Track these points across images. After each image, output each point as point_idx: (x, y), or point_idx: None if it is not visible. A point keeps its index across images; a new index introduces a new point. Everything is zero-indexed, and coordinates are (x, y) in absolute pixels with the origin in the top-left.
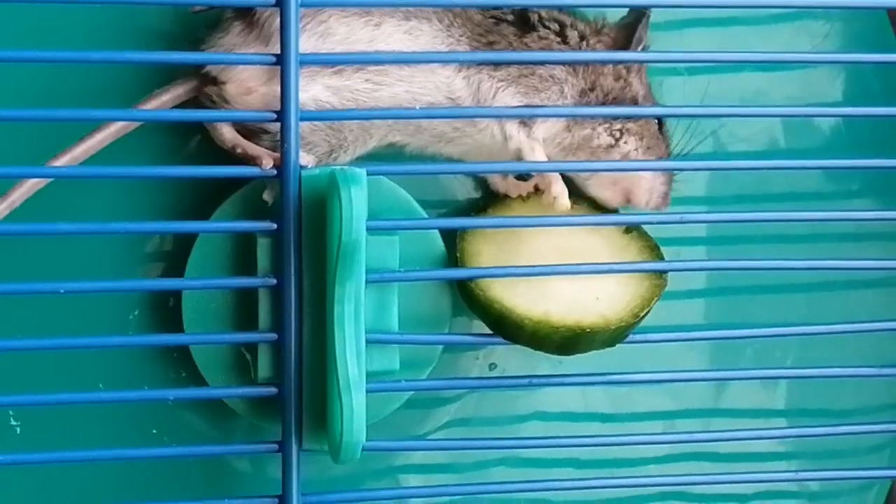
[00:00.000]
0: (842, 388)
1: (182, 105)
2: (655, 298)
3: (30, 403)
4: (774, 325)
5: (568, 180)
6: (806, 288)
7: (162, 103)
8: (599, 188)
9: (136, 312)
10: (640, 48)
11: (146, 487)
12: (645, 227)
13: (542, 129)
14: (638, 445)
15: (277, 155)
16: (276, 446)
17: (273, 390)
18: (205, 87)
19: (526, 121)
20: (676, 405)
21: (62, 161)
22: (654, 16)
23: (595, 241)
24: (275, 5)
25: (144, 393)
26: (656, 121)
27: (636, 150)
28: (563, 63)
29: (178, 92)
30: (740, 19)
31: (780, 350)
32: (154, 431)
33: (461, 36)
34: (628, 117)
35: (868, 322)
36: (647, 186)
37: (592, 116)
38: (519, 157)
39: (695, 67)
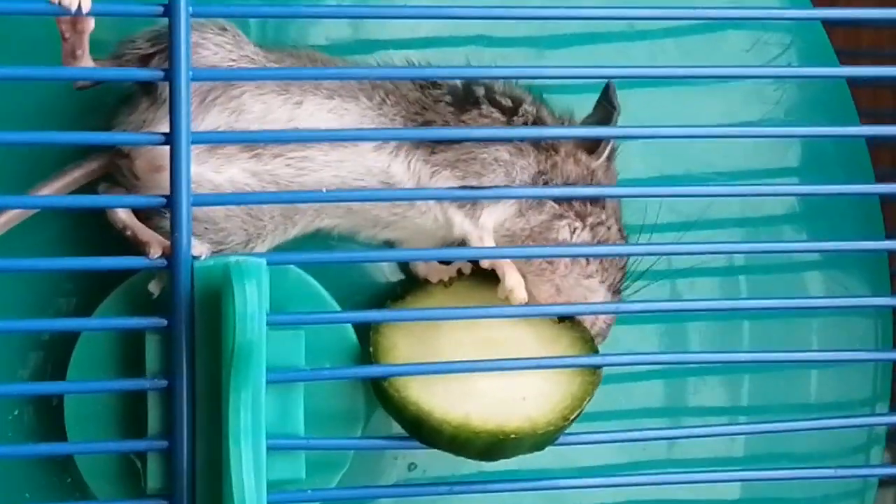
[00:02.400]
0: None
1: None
2: (589, 397)
3: None
4: (724, 408)
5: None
6: (752, 368)
7: (74, 180)
8: (540, 294)
9: (17, 412)
10: (608, 150)
11: None
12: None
13: (490, 215)
14: None
15: (168, 243)
16: None
17: None
18: (118, 161)
19: (468, 206)
20: (615, 499)
21: None
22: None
23: (523, 333)
24: (164, 79)
25: None
26: (618, 226)
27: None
28: (494, 139)
29: (91, 167)
30: (690, 82)
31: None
32: None
33: (395, 115)
34: (585, 205)
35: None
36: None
37: (536, 198)
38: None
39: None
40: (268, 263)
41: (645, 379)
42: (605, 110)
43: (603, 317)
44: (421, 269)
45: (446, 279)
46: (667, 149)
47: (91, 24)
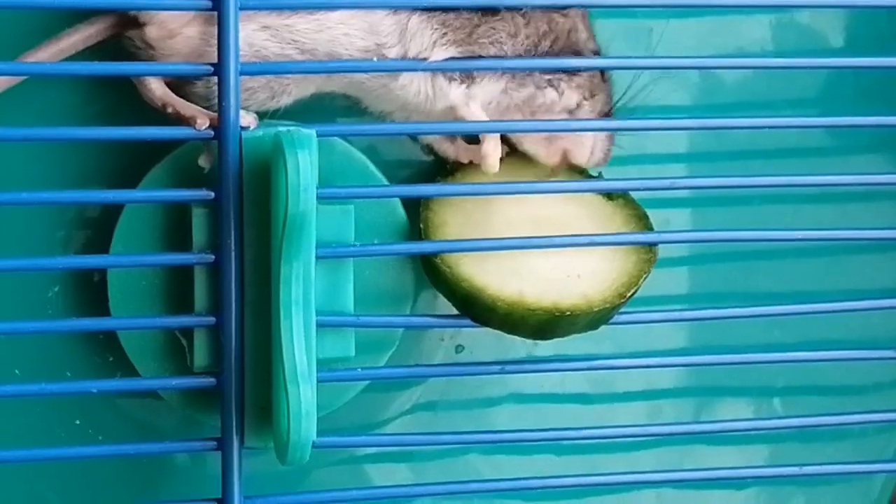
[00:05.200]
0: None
1: (100, 45)
2: (644, 275)
3: None
4: (773, 294)
5: (504, 138)
6: (809, 252)
7: (72, 44)
8: (533, 145)
9: (57, 289)
10: None
11: (70, 483)
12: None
13: (482, 90)
14: (623, 435)
15: (214, 114)
16: (214, 444)
17: (211, 381)
18: (124, 31)
19: (460, 81)
20: (663, 384)
21: None
22: None
23: (576, 211)
24: None
25: (63, 385)
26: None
27: (579, 104)
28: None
29: (89, 32)
30: None
31: (779, 324)
32: (77, 422)
33: None
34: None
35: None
36: (588, 143)
37: (544, 69)
38: (453, 117)
39: (681, 11)
40: (317, 135)
41: (697, 263)
42: None
43: (599, 149)
44: (450, 150)
45: (477, 160)
46: (713, 24)
47: None
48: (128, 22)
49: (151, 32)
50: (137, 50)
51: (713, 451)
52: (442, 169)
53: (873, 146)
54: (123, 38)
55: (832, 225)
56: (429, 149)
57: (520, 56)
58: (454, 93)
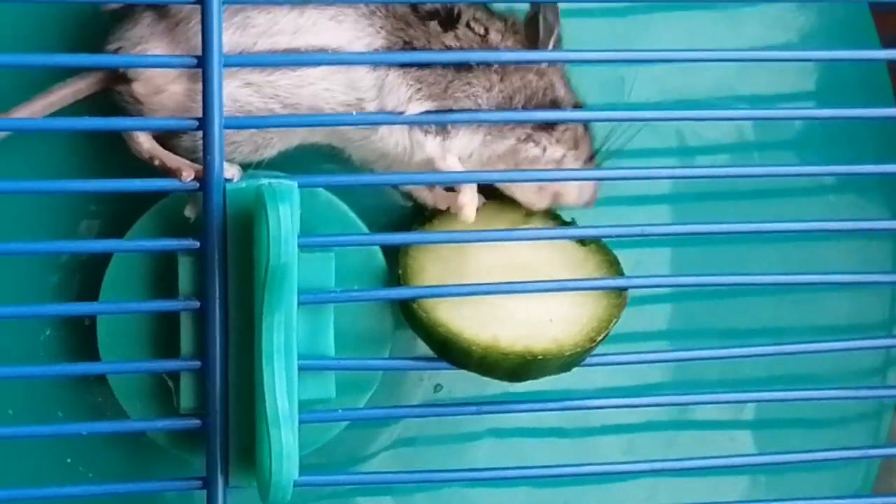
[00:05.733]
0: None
1: (89, 100)
2: (615, 320)
3: None
4: (745, 330)
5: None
6: (779, 290)
7: (62, 98)
8: (524, 193)
9: (49, 332)
10: (552, 40)
11: None
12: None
13: (458, 143)
14: (598, 472)
15: (199, 167)
16: (200, 483)
17: (196, 423)
18: (114, 86)
19: (436, 133)
20: (636, 418)
21: None
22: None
23: (549, 257)
24: (196, 2)
25: (55, 427)
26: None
27: (564, 155)
28: (497, 63)
29: (79, 86)
30: (711, 7)
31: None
32: (68, 461)
33: (381, 27)
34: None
35: (843, 340)
36: (577, 185)
37: (518, 122)
38: (430, 168)
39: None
40: (299, 186)
41: (666, 302)
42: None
43: (587, 191)
44: (428, 197)
45: (455, 209)
46: (688, 74)
47: None
48: (117, 77)
49: (139, 88)
50: (126, 104)
51: (687, 482)
52: (420, 215)
53: (839, 188)
54: (113, 92)
55: (800, 261)
56: (408, 196)
57: (493, 111)
58: (430, 145)
